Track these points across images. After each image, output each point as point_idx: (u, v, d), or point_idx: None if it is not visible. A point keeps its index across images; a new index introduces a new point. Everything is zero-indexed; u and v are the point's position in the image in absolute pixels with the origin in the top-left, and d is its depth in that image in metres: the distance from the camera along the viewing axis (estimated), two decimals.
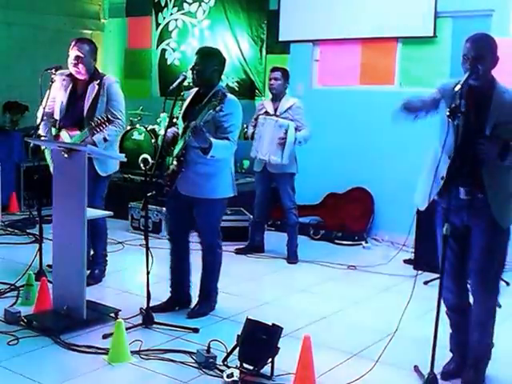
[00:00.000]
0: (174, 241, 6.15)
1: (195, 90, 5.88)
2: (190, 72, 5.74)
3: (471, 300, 4.75)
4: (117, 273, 7.10)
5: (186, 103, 5.88)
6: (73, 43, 6.58)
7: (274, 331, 4.78)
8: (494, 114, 4.41)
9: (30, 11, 10.92)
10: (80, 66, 6.53)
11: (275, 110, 7.86)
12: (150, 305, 5.72)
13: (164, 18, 11.74)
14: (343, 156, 9.25)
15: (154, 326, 5.65)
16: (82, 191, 5.53)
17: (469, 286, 4.77)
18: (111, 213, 6.28)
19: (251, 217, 8.55)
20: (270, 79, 7.95)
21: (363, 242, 8.83)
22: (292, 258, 7.99)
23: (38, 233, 6.80)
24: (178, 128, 5.90)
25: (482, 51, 4.41)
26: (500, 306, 6.31)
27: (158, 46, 11.84)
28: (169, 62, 11.76)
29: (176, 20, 11.59)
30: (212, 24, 11.18)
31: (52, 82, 6.65)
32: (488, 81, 4.49)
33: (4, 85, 10.49)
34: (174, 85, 5.71)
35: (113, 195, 7.28)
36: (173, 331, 5.58)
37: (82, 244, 5.60)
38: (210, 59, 5.79)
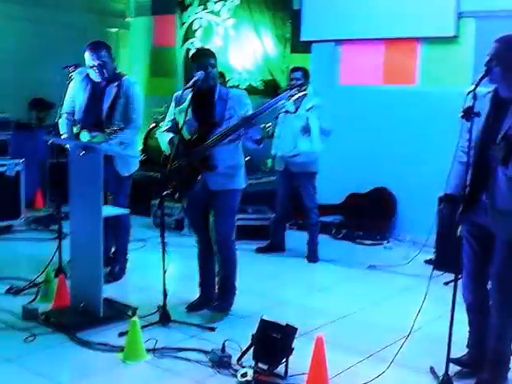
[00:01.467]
0: (203, 242, 6.13)
1: (189, 91, 5.82)
2: (202, 72, 5.69)
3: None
4: (137, 270, 7.12)
5: (188, 104, 5.76)
6: (89, 50, 6.58)
7: (289, 331, 4.77)
8: (507, 122, 4.32)
9: (56, 9, 10.97)
10: (103, 70, 6.58)
11: (296, 109, 7.83)
12: (169, 302, 5.72)
13: (189, 16, 11.75)
14: (365, 155, 9.21)
15: (171, 324, 5.65)
16: (97, 189, 5.58)
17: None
18: (127, 210, 6.33)
19: (273, 215, 8.51)
20: (291, 79, 7.93)
21: (384, 242, 8.79)
22: (312, 257, 7.97)
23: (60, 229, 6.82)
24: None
25: (499, 53, 4.34)
26: None
27: (182, 45, 11.84)
28: None
29: (201, 19, 11.59)
30: (236, 23, 11.16)
31: (70, 80, 6.69)
32: (508, 86, 4.38)
33: (30, 82, 10.54)
34: (190, 84, 5.71)
35: (136, 193, 7.33)
36: (189, 329, 5.59)
37: (99, 241, 5.63)
38: (215, 60, 5.84)
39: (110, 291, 6.19)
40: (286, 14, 10.55)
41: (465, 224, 4.59)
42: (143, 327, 5.35)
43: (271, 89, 10.71)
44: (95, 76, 6.62)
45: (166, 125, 6.01)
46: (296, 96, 5.59)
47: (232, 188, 5.87)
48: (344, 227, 9.18)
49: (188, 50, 11.66)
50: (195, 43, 11.63)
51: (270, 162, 10.27)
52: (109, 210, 5.94)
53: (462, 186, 4.47)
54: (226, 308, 6.02)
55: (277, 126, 7.87)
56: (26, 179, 8.82)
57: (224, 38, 11.32)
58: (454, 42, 8.47)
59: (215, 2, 11.36)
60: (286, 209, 8.25)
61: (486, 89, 4.48)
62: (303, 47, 10.19)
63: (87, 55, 6.57)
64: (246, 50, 11.08)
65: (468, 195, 4.46)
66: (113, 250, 7.03)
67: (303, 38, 10.01)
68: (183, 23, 11.83)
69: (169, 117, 6.01)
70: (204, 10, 11.53)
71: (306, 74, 7.93)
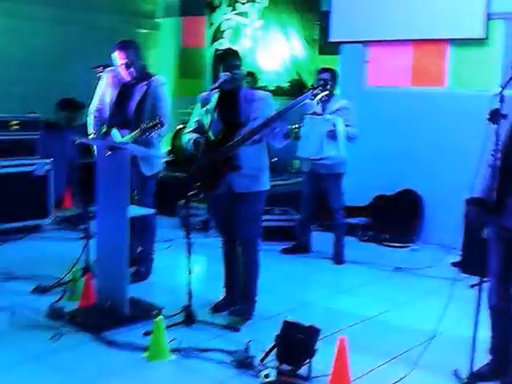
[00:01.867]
0: (228, 244, 6.15)
1: (213, 92, 5.85)
2: (228, 74, 5.71)
3: None
4: (163, 270, 7.15)
5: (213, 105, 5.83)
6: (117, 48, 6.63)
7: (312, 332, 4.78)
8: None
9: (84, 10, 11.07)
10: (131, 69, 6.62)
11: (323, 110, 7.82)
12: (194, 303, 5.76)
13: (217, 17, 11.80)
14: (392, 157, 9.18)
15: (196, 324, 5.68)
16: (124, 189, 5.62)
17: None
18: (153, 210, 6.37)
19: (298, 217, 8.51)
20: (319, 80, 7.91)
21: (411, 244, 8.76)
22: (338, 258, 7.96)
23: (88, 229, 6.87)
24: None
25: None
26: None
27: (211, 46, 11.89)
28: None
29: (229, 20, 11.64)
30: (265, 24, 11.20)
31: (98, 80, 6.75)
32: None
33: (59, 83, 10.63)
34: (216, 85, 5.72)
35: (163, 193, 7.35)
36: (214, 330, 5.62)
37: (125, 241, 5.67)
38: (241, 61, 5.86)
39: (135, 291, 6.18)
40: (314, 15, 10.59)
41: (492, 227, 4.58)
42: (168, 327, 5.36)
43: (299, 90, 10.70)
44: (123, 74, 6.66)
45: (190, 126, 6.02)
46: (320, 95, 5.59)
47: (256, 190, 5.85)
48: (370, 229, 9.15)
49: (216, 51, 11.68)
50: (223, 44, 11.66)
51: (296, 163, 10.27)
52: (135, 210, 5.97)
53: (489, 190, 4.45)
54: (245, 313, 5.96)
55: (303, 128, 7.83)
56: (54, 179, 8.90)
57: (252, 39, 11.37)
58: (484, 43, 8.40)
59: (243, 4, 11.40)
60: (311, 210, 8.22)
61: (510, 91, 4.45)
62: (331, 49, 10.18)
63: (116, 54, 6.61)
64: (274, 52, 11.10)
65: (495, 198, 4.43)
66: (139, 250, 7.05)
67: (332, 39, 9.97)
68: (212, 24, 11.89)
69: (194, 118, 6.02)
70: (232, 11, 11.60)
71: (333, 75, 7.92)
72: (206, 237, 8.48)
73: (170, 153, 10.88)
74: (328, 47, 10.27)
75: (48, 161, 8.81)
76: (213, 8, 11.83)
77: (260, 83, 11.00)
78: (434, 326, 4.99)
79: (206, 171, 5.73)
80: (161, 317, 5.19)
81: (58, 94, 10.64)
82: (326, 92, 5.86)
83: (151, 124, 6.22)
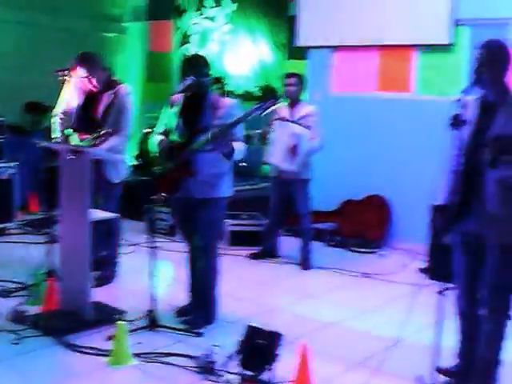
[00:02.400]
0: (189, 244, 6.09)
1: (181, 96, 5.82)
2: (192, 78, 5.67)
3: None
4: (128, 275, 7.09)
5: (178, 109, 5.80)
6: (77, 62, 6.63)
7: (274, 338, 4.74)
8: (496, 126, 4.30)
9: (53, 13, 10.96)
10: (93, 82, 6.65)
11: (291, 115, 7.82)
12: (158, 307, 5.72)
13: (185, 22, 11.75)
14: (361, 163, 9.20)
15: (159, 328, 5.63)
16: (86, 193, 5.59)
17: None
18: (117, 215, 6.33)
19: (266, 221, 8.49)
20: (286, 85, 7.92)
21: (379, 250, 8.76)
22: (305, 264, 7.94)
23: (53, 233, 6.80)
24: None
25: (489, 57, 4.32)
26: (510, 318, 6.26)
27: (178, 50, 11.84)
28: None
29: (196, 24, 11.60)
30: (233, 29, 11.15)
31: (63, 84, 6.72)
32: (498, 90, 4.38)
33: (26, 86, 10.53)
34: (181, 88, 5.69)
35: (130, 197, 7.32)
36: (177, 335, 5.58)
37: (87, 245, 5.62)
38: (208, 67, 5.85)
39: (100, 295, 6.17)
40: (282, 20, 10.52)
41: (456, 232, 4.58)
42: (131, 331, 5.36)
43: (267, 95, 10.69)
44: (87, 86, 6.69)
45: (159, 129, 6.00)
46: (270, 109, 5.60)
47: (214, 197, 5.78)
48: (338, 234, 9.15)
49: (183, 56, 11.65)
50: (191, 49, 11.62)
51: (266, 168, 10.26)
52: (97, 215, 5.92)
53: (452, 195, 4.45)
54: (196, 323, 5.82)
55: (271, 133, 7.85)
56: (20, 183, 8.82)
57: (220, 43, 11.31)
58: (450, 50, 8.45)
59: (211, 8, 11.36)
60: (279, 215, 8.21)
61: (471, 96, 4.46)
62: (300, 53, 10.15)
63: (77, 67, 6.63)
64: (242, 56, 11.06)
65: (459, 203, 4.44)
66: (104, 254, 7.00)
67: (299, 44, 9.98)
68: (179, 28, 11.84)
69: (162, 121, 5.98)
70: (200, 15, 11.54)
71: (300, 79, 7.94)
72: (173, 241, 8.40)
73: (137, 157, 10.83)
74: (296, 52, 10.23)
75: (13, 164, 8.74)
76: (180, 12, 11.76)
77: (228, 88, 10.97)
78: (397, 332, 4.98)
79: (167, 175, 5.68)
80: (123, 321, 5.14)
81: (24, 97, 10.54)
82: (277, 106, 5.84)
83: (100, 133, 6.24)
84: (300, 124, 7.69)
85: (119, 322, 5.11)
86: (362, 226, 9.05)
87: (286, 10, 10.39)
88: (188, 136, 5.69)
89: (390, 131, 8.90)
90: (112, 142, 6.49)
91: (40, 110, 10.60)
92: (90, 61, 6.64)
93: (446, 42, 8.46)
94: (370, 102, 9.17)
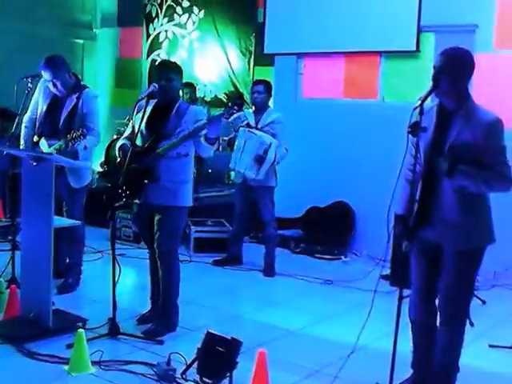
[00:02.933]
0: (152, 254, 6.07)
1: (154, 101, 5.86)
2: (154, 85, 5.71)
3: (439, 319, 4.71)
4: (92, 282, 7.09)
5: (147, 114, 5.81)
6: (43, 66, 6.60)
7: (233, 345, 4.74)
8: (452, 134, 4.34)
9: (21, 19, 10.93)
10: (58, 85, 6.63)
11: (257, 122, 7.86)
12: (121, 315, 5.73)
13: (154, 28, 11.80)
14: (326, 169, 9.24)
15: (120, 336, 5.63)
16: (48, 200, 5.54)
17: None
18: (79, 222, 6.33)
19: (231, 228, 8.52)
20: (253, 92, 7.95)
21: (343, 257, 8.81)
22: (269, 270, 7.97)
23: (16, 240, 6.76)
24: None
25: (446, 64, 4.30)
26: (472, 325, 6.31)
27: (148, 57, 11.88)
28: None
29: (166, 31, 11.64)
30: (201, 35, 11.22)
31: (28, 91, 6.71)
32: (458, 96, 4.38)
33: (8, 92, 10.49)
34: (144, 94, 5.72)
35: (95, 204, 7.30)
36: (138, 342, 5.58)
37: (49, 253, 5.58)
38: (179, 74, 5.88)
39: (62, 303, 6.20)
40: (250, 27, 10.60)
41: (413, 241, 4.59)
42: (92, 339, 5.38)
43: (235, 101, 10.70)
44: (53, 90, 6.68)
45: (126, 132, 6.03)
46: (235, 115, 5.68)
47: (174, 205, 5.76)
48: (303, 241, 9.19)
49: (154, 62, 11.68)
50: (161, 55, 11.65)
51: (233, 174, 10.29)
52: (59, 222, 5.92)
53: (408, 204, 4.50)
54: (161, 333, 5.81)
55: (237, 139, 7.87)
56: None
57: (189, 50, 11.37)
58: (416, 56, 8.54)
59: (180, 15, 11.40)
60: (243, 222, 8.24)
61: (430, 103, 4.50)
62: (267, 60, 10.23)
63: (42, 71, 6.61)
64: (210, 63, 11.12)
65: (417, 211, 4.46)
66: (67, 261, 7.00)
67: (266, 51, 10.04)
68: (149, 35, 11.85)
69: (130, 125, 5.99)
70: (169, 22, 11.57)
71: (268, 87, 7.97)
72: (138, 248, 8.39)
73: (102, 164, 10.81)
74: (264, 59, 10.29)
75: None
76: (150, 19, 11.80)
77: (198, 94, 11.00)
78: (357, 340, 5.01)
79: (128, 180, 5.66)
80: (82, 329, 5.13)
81: None
82: (240, 113, 5.91)
83: (74, 135, 6.25)
84: (265, 131, 7.72)
85: (78, 330, 5.09)
86: (326, 232, 9.09)
87: (254, 17, 10.48)
88: (151, 141, 5.71)
89: (357, 137, 8.96)
90: (86, 141, 6.47)
91: (8, 116, 10.52)
92: (54, 64, 6.61)
93: (411, 49, 8.53)
94: (337, 109, 9.23)
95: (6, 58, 10.73)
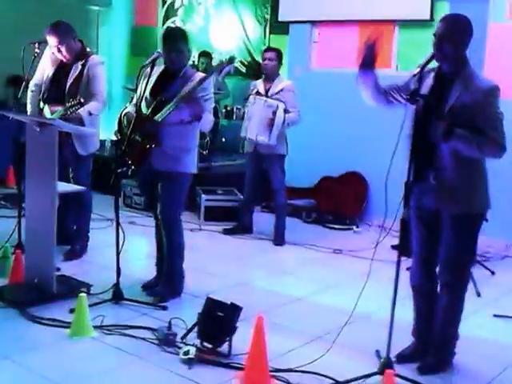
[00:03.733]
0: (155, 220, 6.10)
1: (160, 68, 5.81)
2: (166, 53, 5.66)
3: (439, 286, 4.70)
4: (100, 249, 7.05)
5: (152, 79, 5.76)
6: (48, 31, 6.58)
7: (233, 310, 4.77)
8: (452, 97, 4.34)
9: None
10: (63, 51, 6.58)
11: (267, 90, 7.80)
12: (127, 281, 5.79)
13: None
14: (339, 139, 9.17)
15: (124, 302, 5.65)
16: (52, 166, 5.54)
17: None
18: (85, 188, 6.33)
19: (242, 197, 8.49)
20: (264, 59, 7.88)
21: (354, 227, 8.76)
22: (278, 239, 7.94)
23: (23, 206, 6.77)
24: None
25: (449, 30, 4.31)
26: (479, 295, 6.29)
27: (163, 24, 11.80)
28: None
29: None
30: (217, 2, 11.12)
31: (35, 56, 6.69)
32: (457, 62, 4.38)
33: (7, 59, 10.46)
34: (148, 61, 5.67)
35: (107, 172, 7.31)
36: (142, 308, 5.59)
37: (52, 218, 5.60)
38: (187, 42, 5.77)
39: (70, 269, 6.26)
40: None
41: (412, 208, 4.58)
42: (96, 304, 5.43)
43: (252, 70, 10.67)
44: (58, 55, 6.64)
45: (134, 100, 6.00)
46: (225, 70, 5.66)
47: (177, 171, 5.73)
48: (315, 211, 9.14)
49: (164, 29, 11.61)
50: (176, 23, 11.58)
51: (247, 144, 10.25)
52: (63, 187, 5.92)
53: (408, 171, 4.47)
54: (163, 294, 5.84)
55: (246, 107, 7.84)
56: None
57: (205, 17, 11.28)
58: (430, 25, 8.39)
59: None
60: (254, 191, 8.19)
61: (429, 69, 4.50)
62: (282, 29, 10.12)
63: (48, 36, 6.58)
64: (226, 31, 11.04)
65: (415, 175, 4.44)
66: (74, 227, 7.02)
67: (281, 19, 9.96)
68: (165, 2, 11.78)
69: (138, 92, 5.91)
70: None
71: (279, 54, 7.89)
72: (148, 216, 8.37)
73: (116, 133, 10.77)
74: (279, 27, 10.19)
75: None
76: None
77: (213, 62, 10.95)
78: (364, 307, 4.99)
79: (132, 146, 5.63)
80: (83, 294, 5.13)
81: (5, 70, 10.48)
82: (232, 65, 5.86)
83: (72, 103, 6.26)
84: (276, 98, 7.65)
85: (80, 295, 5.10)
86: (339, 202, 9.05)
87: None
88: (154, 106, 5.65)
89: (370, 107, 8.83)
90: (90, 106, 6.48)
91: (21, 83, 10.53)
92: (60, 30, 6.57)
93: (424, 18, 8.42)
94: (350, 78, 9.09)
95: (21, 25, 10.68)
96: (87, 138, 6.69)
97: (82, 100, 6.29)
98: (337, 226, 8.82)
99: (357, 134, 9.01)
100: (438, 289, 4.69)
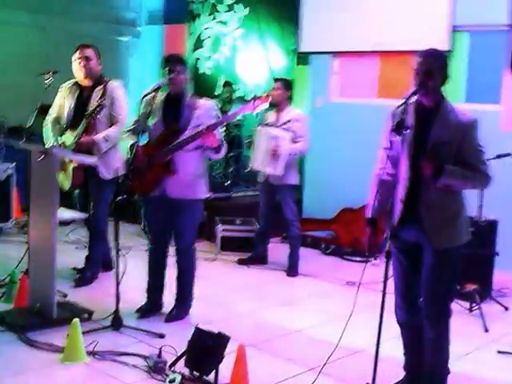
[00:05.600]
0: (157, 248, 6.18)
1: (163, 95, 5.89)
2: (169, 80, 5.75)
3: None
4: (111, 276, 7.07)
5: (159, 107, 5.88)
6: (81, 44, 6.86)
7: (220, 340, 4.75)
8: (434, 134, 4.33)
9: (65, 17, 11.09)
10: (88, 66, 6.76)
11: (276, 120, 7.82)
12: (128, 308, 5.92)
13: (198, 26, 11.83)
14: (360, 170, 9.05)
15: (123, 328, 5.67)
16: (54, 194, 5.64)
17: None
18: (85, 215, 6.41)
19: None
20: (271, 90, 7.92)
21: (372, 259, 8.66)
22: (291, 271, 7.89)
23: None
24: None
25: (431, 66, 4.32)
26: (487, 331, 6.17)
27: (192, 54, 11.90)
28: (201, 71, 11.82)
29: (209, 29, 11.66)
30: (244, 33, 11.21)
31: (47, 86, 6.81)
32: (437, 98, 4.40)
33: (41, 89, 10.64)
34: (151, 89, 5.75)
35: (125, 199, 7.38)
36: (140, 334, 5.60)
37: (54, 245, 5.67)
38: (185, 65, 5.93)
39: (78, 295, 6.40)
40: (292, 25, 10.49)
41: (392, 242, 4.58)
42: (95, 330, 5.48)
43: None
44: (79, 71, 6.80)
45: (128, 126, 6.05)
46: (259, 108, 5.66)
47: (192, 198, 5.88)
48: (334, 243, 9.09)
49: (196, 60, 11.74)
50: (204, 53, 11.69)
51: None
52: (64, 214, 6.01)
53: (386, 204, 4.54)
54: (182, 317, 6.08)
55: (256, 138, 7.89)
56: (22, 184, 8.87)
57: (232, 48, 11.38)
58: (449, 56, 8.38)
59: (224, 13, 11.40)
60: (268, 221, 8.15)
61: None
62: (307, 60, 10.16)
63: (80, 48, 6.83)
64: (253, 61, 11.10)
65: (401, 211, 4.44)
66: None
67: (301, 49, 10.03)
68: (192, 33, 11.90)
69: (134, 117, 6.00)
70: (213, 19, 11.60)
71: (285, 84, 7.93)
72: None
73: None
74: (306, 57, 10.22)
75: (11, 165, 8.81)
76: (194, 16, 11.85)
77: (238, 93, 11.04)
78: (364, 341, 4.94)
79: (142, 173, 5.73)
80: (77, 319, 5.15)
81: (34, 99, 10.64)
82: (266, 104, 5.89)
83: (95, 109, 6.52)
84: (285, 128, 7.67)
85: (73, 320, 5.12)
86: (358, 234, 8.96)
87: (297, 16, 10.29)
88: (165, 135, 5.77)
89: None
90: (108, 131, 6.62)
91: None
92: (93, 47, 6.90)
93: (444, 48, 8.37)
94: (370, 109, 9.12)
95: (49, 56, 10.86)
96: (110, 160, 6.76)
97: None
98: (354, 259, 8.72)
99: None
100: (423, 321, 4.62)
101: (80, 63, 6.76)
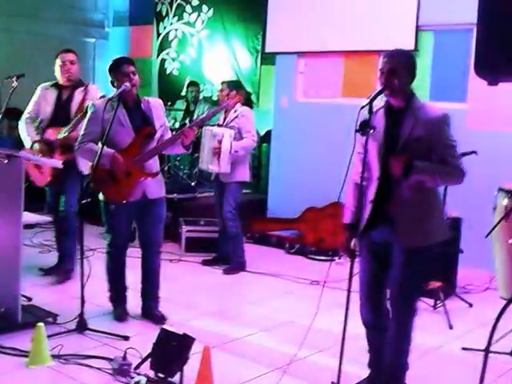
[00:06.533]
0: (120, 252, 6.22)
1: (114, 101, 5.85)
2: (126, 85, 5.79)
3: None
4: (77, 279, 7.08)
5: (123, 113, 5.90)
6: (66, 50, 7.16)
7: (186, 341, 4.77)
8: (405, 132, 4.36)
9: (32, 19, 11.06)
10: (72, 68, 7.06)
11: (223, 120, 7.98)
12: (94, 310, 5.96)
13: (165, 27, 11.84)
14: (324, 170, 9.20)
15: (88, 331, 5.70)
16: (18, 196, 5.63)
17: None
18: (48, 218, 6.41)
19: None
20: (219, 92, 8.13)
21: (336, 258, 8.73)
22: (230, 269, 8.00)
23: None
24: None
25: (396, 65, 4.34)
26: (451, 328, 6.25)
27: (158, 55, 11.94)
28: (168, 72, 11.86)
29: (176, 30, 11.69)
30: (210, 34, 11.26)
31: (13, 90, 6.85)
32: (405, 96, 4.41)
33: (4, 92, 10.59)
34: (115, 94, 5.78)
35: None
36: (104, 337, 5.63)
37: (18, 248, 5.69)
38: (135, 67, 6.11)
39: (44, 298, 6.40)
40: (257, 25, 10.57)
41: (364, 241, 4.61)
42: (59, 334, 5.51)
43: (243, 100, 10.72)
44: (64, 74, 7.05)
45: (83, 136, 5.89)
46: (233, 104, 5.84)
47: (164, 196, 6.10)
48: (299, 242, 9.16)
49: (163, 61, 11.77)
50: (170, 54, 11.71)
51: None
52: (28, 218, 6.02)
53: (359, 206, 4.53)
54: (163, 316, 6.11)
55: (202, 138, 7.99)
56: None
57: (198, 48, 11.40)
58: (414, 55, 8.47)
59: (190, 14, 11.44)
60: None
61: (378, 103, 4.48)
62: (273, 59, 10.22)
63: (66, 52, 7.09)
64: (218, 62, 11.15)
65: (372, 212, 4.49)
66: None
67: (267, 50, 10.11)
68: (159, 34, 11.91)
69: (87, 127, 5.87)
70: (179, 20, 11.62)
71: (230, 85, 8.10)
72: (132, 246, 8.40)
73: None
74: (270, 57, 10.31)
75: None
76: (161, 17, 11.88)
77: (205, 93, 11.10)
78: (327, 340, 4.99)
79: (117, 180, 5.80)
80: (41, 323, 5.16)
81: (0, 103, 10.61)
82: (238, 108, 6.01)
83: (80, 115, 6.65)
84: (232, 126, 7.81)
85: (38, 324, 5.14)
86: (324, 233, 9.05)
87: (262, 16, 10.35)
88: (140, 139, 5.85)
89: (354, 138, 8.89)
90: None
91: (16, 115, 10.66)
92: (75, 53, 7.18)
93: (409, 48, 8.45)
94: (334, 108, 9.19)
95: (15, 58, 10.84)
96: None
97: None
98: (319, 258, 8.79)
99: (342, 165, 8.99)
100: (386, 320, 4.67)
101: (65, 67, 7.02)
